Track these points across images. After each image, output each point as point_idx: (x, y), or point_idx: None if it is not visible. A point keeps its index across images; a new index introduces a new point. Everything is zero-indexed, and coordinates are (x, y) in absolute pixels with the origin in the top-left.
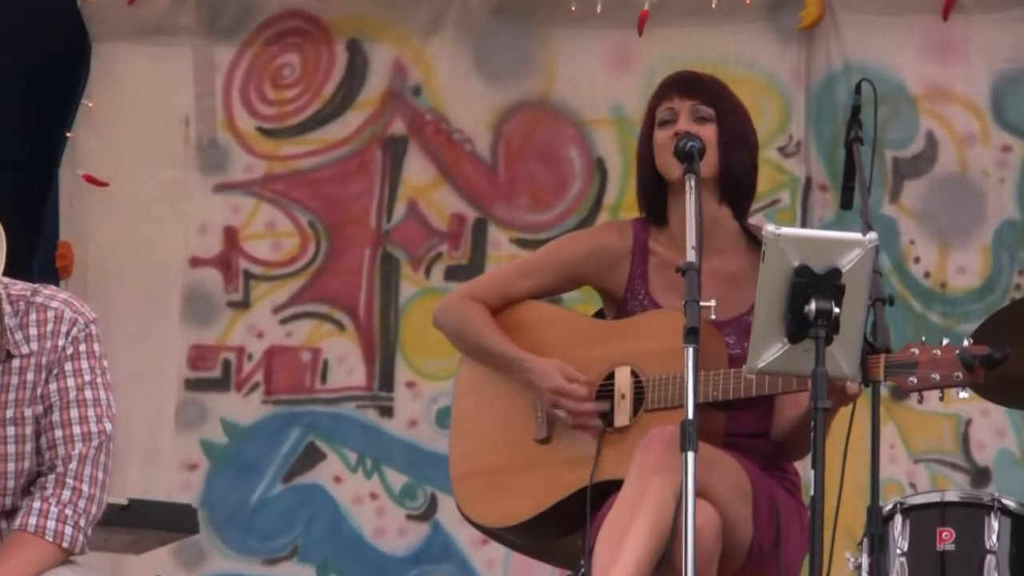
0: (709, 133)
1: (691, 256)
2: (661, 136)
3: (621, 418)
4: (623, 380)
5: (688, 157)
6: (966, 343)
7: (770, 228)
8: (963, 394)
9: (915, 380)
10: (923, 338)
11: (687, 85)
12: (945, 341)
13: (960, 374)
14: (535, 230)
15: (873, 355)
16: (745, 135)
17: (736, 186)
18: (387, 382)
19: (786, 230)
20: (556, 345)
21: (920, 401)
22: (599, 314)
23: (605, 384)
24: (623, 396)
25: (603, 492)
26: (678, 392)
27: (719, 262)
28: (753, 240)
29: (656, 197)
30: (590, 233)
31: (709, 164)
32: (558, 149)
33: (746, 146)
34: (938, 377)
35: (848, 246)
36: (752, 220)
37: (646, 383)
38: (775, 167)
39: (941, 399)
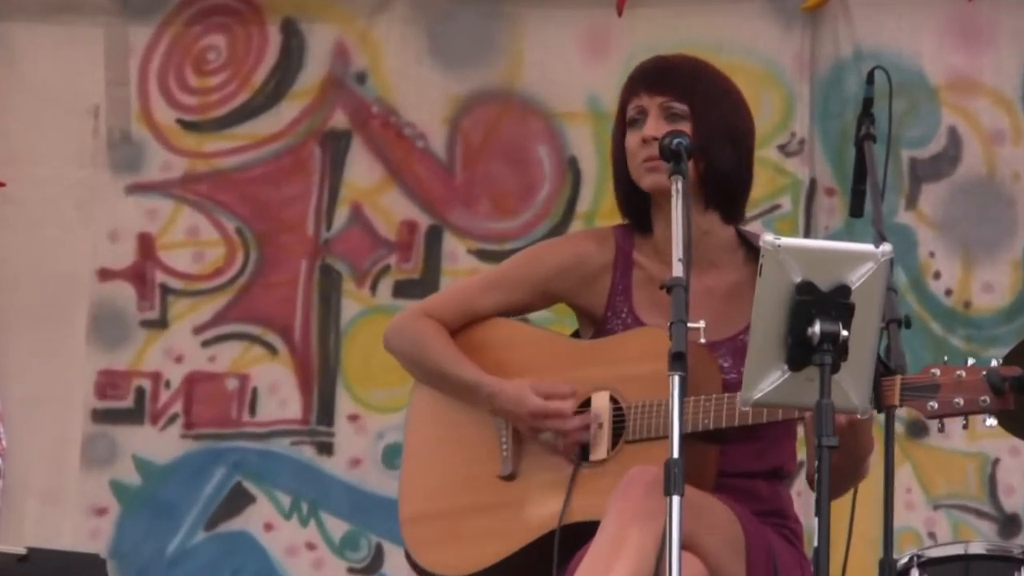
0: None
1: (677, 270)
2: (631, 139)
3: (598, 450)
4: (601, 407)
5: (675, 156)
6: (994, 363)
7: (768, 238)
8: (990, 421)
9: (935, 405)
10: (946, 359)
11: (655, 79)
12: (970, 361)
13: (987, 398)
14: (498, 240)
15: (887, 377)
16: (730, 127)
17: (722, 189)
18: (326, 415)
19: (787, 240)
20: (524, 368)
21: (941, 429)
22: (575, 336)
23: (581, 411)
24: (600, 425)
25: (576, 536)
26: (663, 421)
27: (713, 278)
28: (752, 249)
29: (637, 204)
30: (566, 243)
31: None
32: (525, 147)
33: (730, 141)
34: (962, 402)
35: (858, 259)
36: (748, 228)
37: (627, 410)
38: (775, 168)
39: (965, 426)
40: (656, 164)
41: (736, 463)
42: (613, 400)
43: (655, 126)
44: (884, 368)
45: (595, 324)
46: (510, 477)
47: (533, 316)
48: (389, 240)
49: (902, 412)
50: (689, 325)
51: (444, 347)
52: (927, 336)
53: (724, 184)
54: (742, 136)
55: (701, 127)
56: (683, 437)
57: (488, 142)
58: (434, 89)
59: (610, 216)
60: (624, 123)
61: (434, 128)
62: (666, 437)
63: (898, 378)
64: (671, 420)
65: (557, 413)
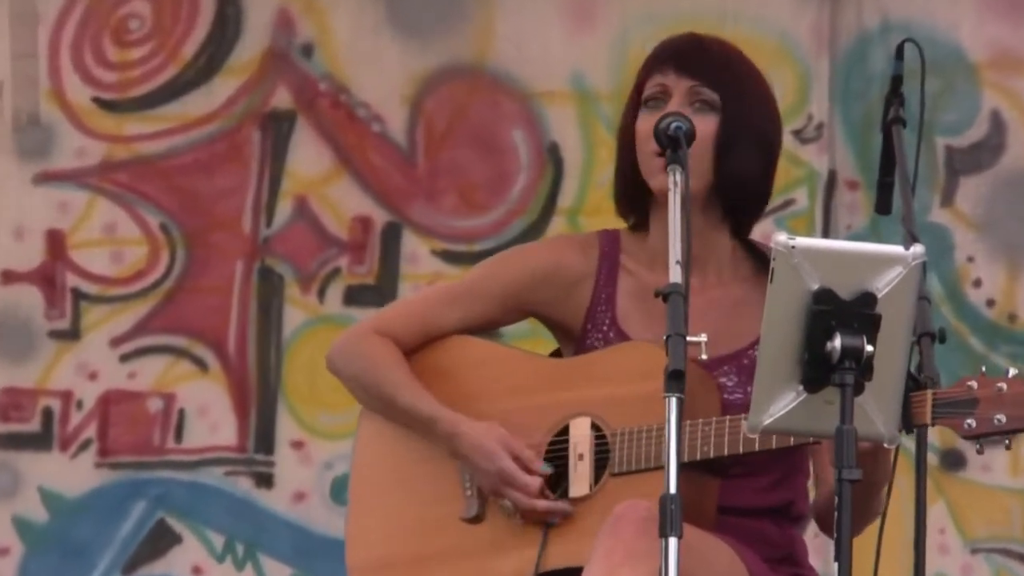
0: (706, 127)
1: (675, 275)
2: (644, 122)
3: (579, 486)
4: (581, 435)
5: (672, 142)
6: None
7: (781, 238)
8: None
9: (973, 423)
10: (983, 368)
11: (688, 58)
12: (1012, 372)
13: None
14: (466, 239)
15: (917, 392)
16: (759, 129)
17: (740, 199)
18: (266, 441)
19: (802, 241)
20: (492, 393)
21: (980, 451)
22: (555, 355)
23: (557, 441)
24: (581, 456)
25: None
26: (655, 449)
27: (716, 288)
28: (762, 259)
29: (637, 198)
30: (544, 248)
31: (697, 170)
32: (498, 131)
33: (757, 146)
34: (1004, 419)
35: (885, 263)
36: (756, 229)
37: (611, 439)
38: (788, 158)
39: (1008, 447)
40: None
41: (740, 499)
42: (595, 427)
43: (679, 109)
44: (913, 382)
45: (573, 340)
46: (475, 519)
47: (507, 329)
48: (339, 239)
49: (935, 440)
50: (689, 339)
51: (397, 371)
52: (965, 353)
53: (743, 194)
54: (771, 145)
55: (730, 123)
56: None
57: (455, 126)
58: (392, 64)
59: (596, 212)
60: (639, 102)
61: (392, 109)
62: (658, 469)
63: (929, 392)
64: (667, 449)
65: (523, 488)
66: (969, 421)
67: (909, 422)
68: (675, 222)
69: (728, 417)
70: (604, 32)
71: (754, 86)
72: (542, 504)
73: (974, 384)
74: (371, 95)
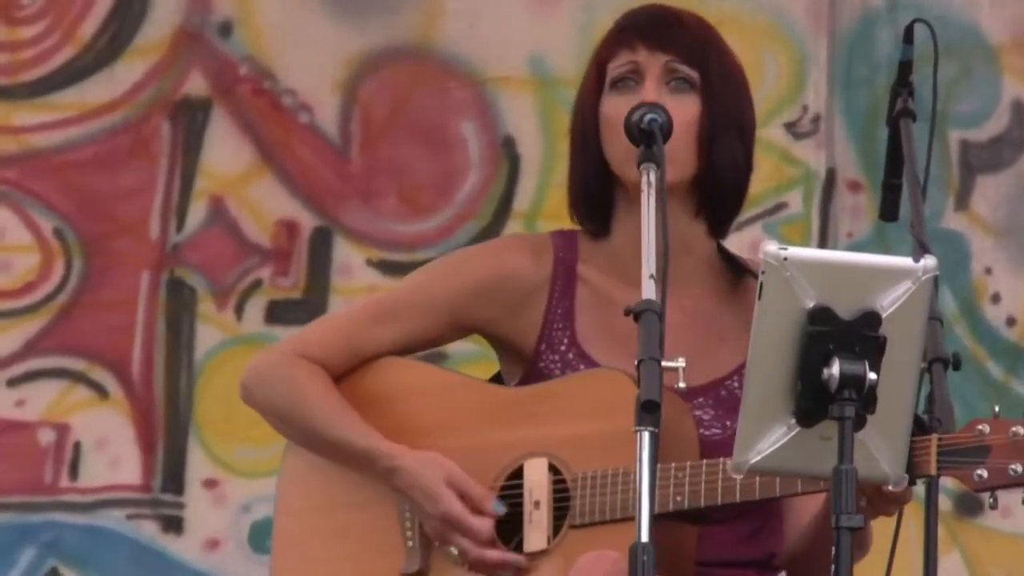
0: (687, 110)
1: (648, 290)
2: (614, 106)
3: (534, 538)
4: (537, 479)
5: (646, 137)
6: None
7: (772, 248)
8: None
9: (984, 474)
10: (996, 409)
11: (659, 29)
12: None
13: None
14: (407, 247)
15: (921, 437)
16: (740, 115)
17: (721, 194)
18: (174, 479)
19: (796, 251)
20: (433, 429)
21: (993, 505)
22: (496, 381)
23: (510, 486)
24: (537, 504)
25: None
26: (621, 497)
27: (690, 302)
28: (738, 270)
29: (598, 197)
30: (488, 253)
31: (681, 159)
32: (445, 122)
33: (740, 133)
34: (1021, 469)
35: (891, 278)
36: (741, 237)
37: (572, 484)
38: (781, 155)
39: None
40: None
41: (720, 550)
42: (553, 470)
43: (655, 91)
44: (917, 425)
45: (525, 362)
46: (418, 574)
47: (453, 350)
48: (261, 246)
49: (947, 482)
50: (665, 364)
51: (325, 399)
52: (983, 380)
53: (724, 188)
54: (751, 133)
55: (712, 106)
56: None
57: (396, 116)
58: (324, 45)
59: (557, 216)
60: (600, 86)
61: (323, 97)
62: (626, 520)
63: (934, 438)
64: (639, 490)
65: (472, 534)
66: (980, 472)
67: (912, 472)
68: (649, 227)
69: (705, 462)
70: (568, 9)
71: (733, 63)
72: (493, 555)
73: (986, 428)
74: (299, 80)
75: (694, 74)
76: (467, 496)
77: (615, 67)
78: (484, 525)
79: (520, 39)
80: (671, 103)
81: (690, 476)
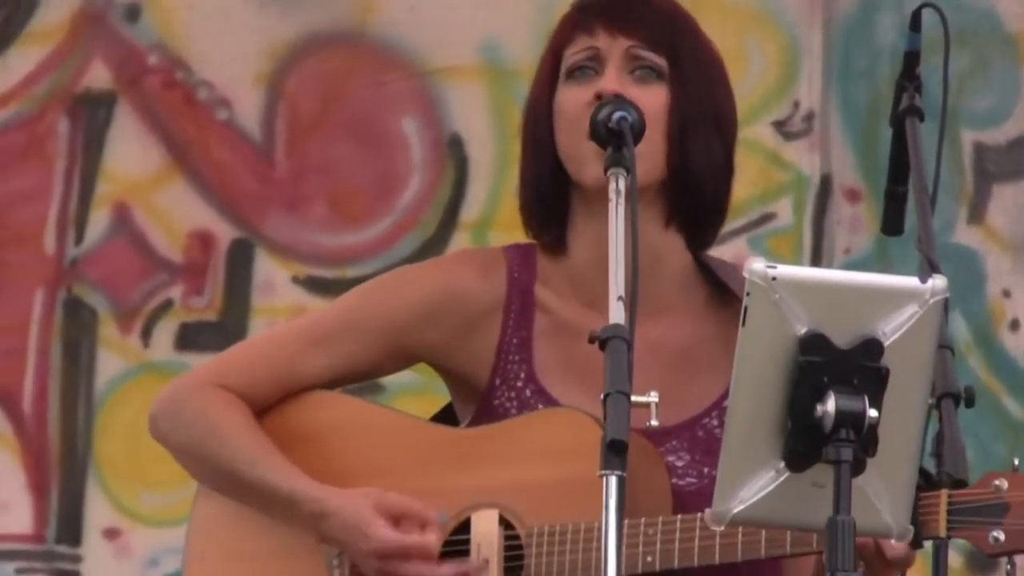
0: (653, 100)
1: (616, 314)
2: (571, 98)
3: None
4: (486, 533)
5: (615, 136)
6: None
7: (758, 266)
8: None
9: (1001, 537)
10: (1015, 463)
11: (624, 11)
12: None
13: None
14: (338, 262)
15: (930, 492)
16: (716, 106)
17: (697, 200)
18: (71, 528)
19: (785, 270)
20: (368, 472)
21: (1011, 573)
22: (447, 415)
23: (455, 540)
24: (486, 561)
25: None
26: (583, 557)
27: (663, 328)
28: (721, 289)
29: (555, 203)
30: (431, 270)
31: (646, 158)
32: (383, 119)
33: (716, 128)
34: None
35: (895, 301)
36: (722, 251)
37: (526, 540)
38: (768, 157)
39: None
40: None
41: None
42: (504, 523)
43: (617, 80)
44: (925, 479)
45: (476, 397)
46: None
47: (390, 382)
48: (171, 261)
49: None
50: (635, 399)
51: (243, 435)
52: (999, 418)
53: (700, 191)
54: (730, 127)
55: (683, 97)
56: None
57: (326, 112)
58: (245, 30)
59: (512, 226)
60: (555, 73)
61: (244, 90)
62: None
63: (944, 494)
64: (604, 548)
65: (418, 552)
66: (996, 534)
67: (919, 532)
68: (617, 242)
69: (680, 517)
70: None
71: (707, 49)
72: (446, 571)
73: (1004, 484)
74: (216, 72)
75: (661, 61)
76: (404, 517)
77: (572, 54)
78: (427, 540)
79: (469, 23)
80: (635, 93)
81: (662, 533)
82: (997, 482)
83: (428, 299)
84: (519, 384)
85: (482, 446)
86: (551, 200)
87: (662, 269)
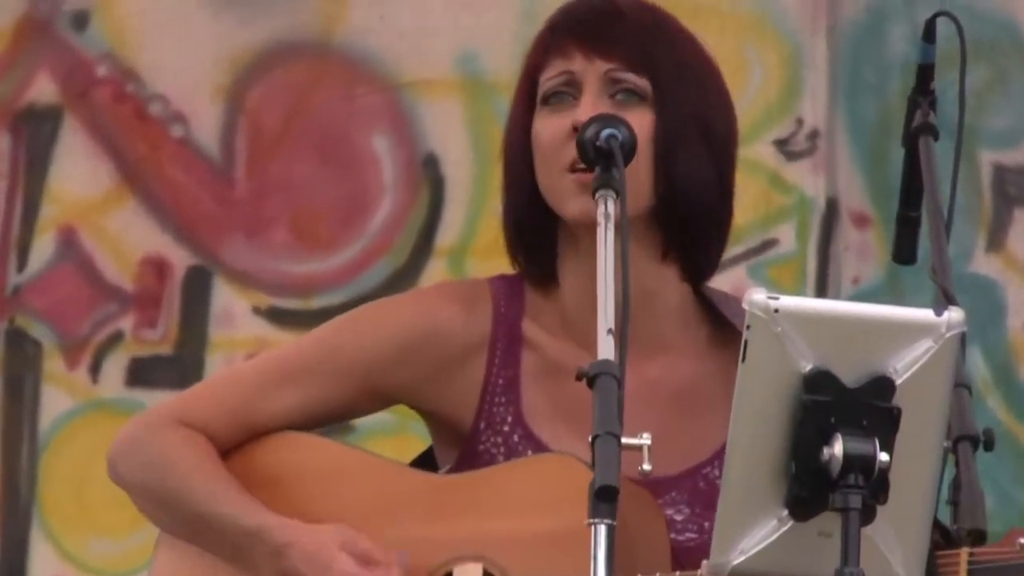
0: (637, 125)
1: (605, 349)
2: (547, 128)
3: None
4: None
5: (603, 156)
6: None
7: (758, 297)
8: None
9: None
10: None
11: (598, 30)
12: None
13: None
14: (303, 291)
15: (947, 550)
16: (706, 119)
17: (691, 227)
18: None
19: (788, 301)
20: (343, 519)
21: None
22: (426, 460)
23: None
24: None
25: None
26: None
27: (660, 366)
28: (723, 325)
29: (538, 239)
30: (410, 304)
31: (634, 189)
32: (351, 136)
33: (707, 144)
34: None
35: (908, 335)
36: (719, 281)
37: None
38: (769, 179)
39: None
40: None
41: None
42: None
43: (594, 106)
44: (943, 535)
45: (459, 442)
46: None
47: (364, 423)
48: (121, 290)
49: None
50: (626, 441)
51: (207, 473)
52: (1021, 462)
53: (694, 215)
54: (725, 144)
55: (669, 119)
56: None
57: (291, 128)
58: (202, 40)
59: (491, 253)
60: (531, 99)
61: (201, 104)
62: None
63: (964, 552)
64: None
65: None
66: None
67: None
68: (606, 271)
69: (678, 574)
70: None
71: (696, 62)
72: None
73: None
74: (171, 85)
75: (643, 82)
76: (370, 560)
77: (547, 79)
78: (390, 572)
79: (446, 32)
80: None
81: None
82: (1022, 540)
83: (407, 337)
84: (506, 428)
85: (466, 494)
86: (534, 234)
87: (658, 304)
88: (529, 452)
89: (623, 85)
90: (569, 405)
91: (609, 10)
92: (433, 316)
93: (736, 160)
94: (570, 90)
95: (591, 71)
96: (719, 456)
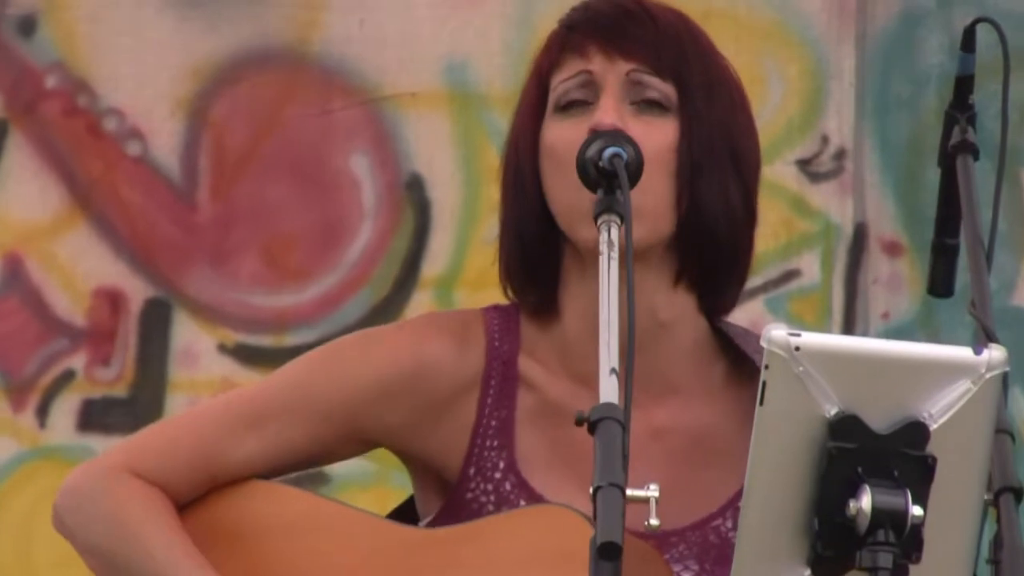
0: (659, 137)
1: (607, 391)
2: (562, 137)
3: None
4: None
5: (607, 179)
6: None
7: (777, 333)
8: None
9: None
10: None
11: (623, 27)
12: None
13: None
14: (275, 327)
15: None
16: (736, 142)
17: (712, 254)
18: None
19: (813, 339)
20: None
21: None
22: (406, 512)
23: None
24: None
25: None
26: None
27: (670, 410)
28: (741, 363)
29: (543, 261)
30: (393, 338)
31: (651, 209)
32: (328, 155)
33: (735, 167)
34: None
35: (944, 375)
36: (735, 315)
37: None
38: (791, 203)
39: None
40: None
41: None
42: None
43: (615, 111)
44: None
45: (444, 490)
46: None
47: (333, 469)
48: (72, 324)
49: None
50: (631, 493)
51: (160, 534)
52: None
53: (717, 244)
54: (750, 164)
55: (694, 130)
56: None
57: (260, 146)
58: (162, 48)
59: (482, 284)
60: (541, 104)
61: (160, 119)
62: None
63: None
64: None
65: None
66: None
67: None
68: (609, 304)
69: None
70: (495, 4)
71: (724, 72)
72: None
73: None
74: (127, 96)
75: (668, 88)
76: None
77: (561, 81)
78: None
79: (432, 40)
80: (636, 129)
81: None
82: None
83: (390, 374)
84: (497, 475)
85: (450, 550)
86: (537, 258)
87: (670, 340)
88: (522, 502)
89: (647, 87)
90: (567, 451)
91: (633, 8)
92: (420, 351)
93: (759, 185)
94: (588, 95)
95: (611, 72)
96: (731, 507)
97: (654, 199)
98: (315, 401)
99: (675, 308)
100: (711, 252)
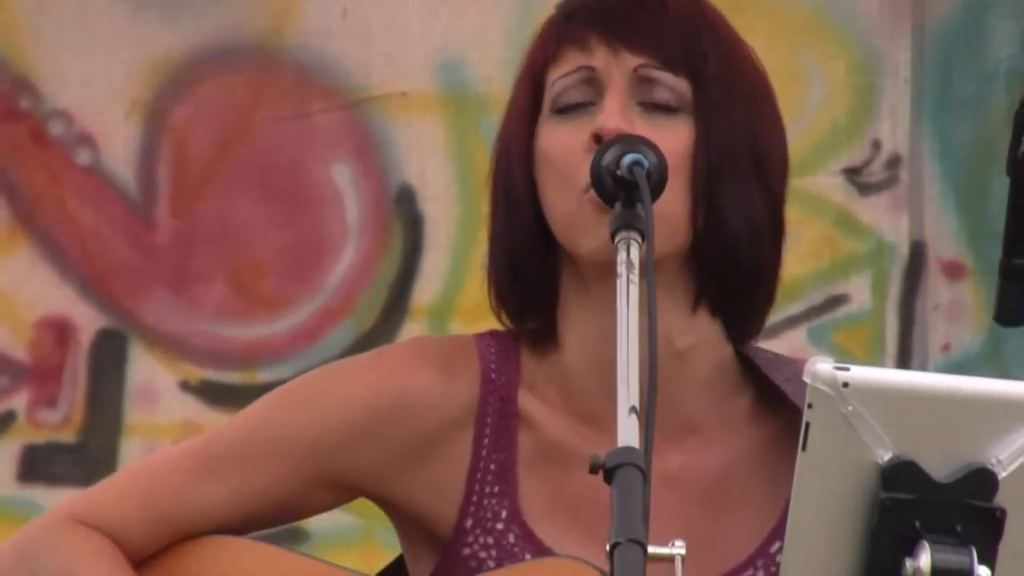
0: (672, 140)
1: (626, 433)
2: (560, 142)
3: None
4: None
5: (625, 188)
6: None
7: (822, 367)
8: None
9: None
10: None
11: (629, 16)
12: None
13: None
14: (245, 362)
15: None
16: (759, 145)
17: (732, 272)
18: None
19: (863, 373)
20: None
21: None
22: (395, 573)
23: None
24: None
25: None
26: None
27: (688, 451)
28: (767, 391)
29: (540, 280)
30: (373, 368)
31: (667, 222)
32: (305, 164)
33: (758, 173)
34: None
35: (1013, 415)
36: (774, 347)
37: None
38: (837, 218)
39: None
40: None
41: None
42: None
43: (621, 113)
44: None
45: (438, 546)
46: None
47: (311, 525)
48: (12, 359)
49: None
50: (653, 550)
51: None
52: None
53: (738, 260)
54: (777, 173)
55: (711, 132)
56: None
57: (227, 155)
58: (115, 43)
59: (479, 312)
60: (535, 103)
61: (113, 123)
62: None
63: None
64: None
65: None
66: None
67: None
68: (628, 332)
69: None
70: None
71: (746, 64)
72: None
73: None
74: (75, 97)
75: (681, 85)
76: None
77: (559, 77)
78: None
79: (422, 35)
80: (644, 133)
81: None
82: None
83: (366, 408)
84: (499, 527)
85: None
86: (531, 278)
87: (687, 371)
88: (528, 556)
89: (656, 87)
90: (571, 499)
91: None
92: (401, 382)
93: (786, 194)
94: (588, 94)
95: (616, 67)
96: (762, 557)
97: (666, 211)
98: (281, 443)
99: (693, 335)
100: (732, 271)
